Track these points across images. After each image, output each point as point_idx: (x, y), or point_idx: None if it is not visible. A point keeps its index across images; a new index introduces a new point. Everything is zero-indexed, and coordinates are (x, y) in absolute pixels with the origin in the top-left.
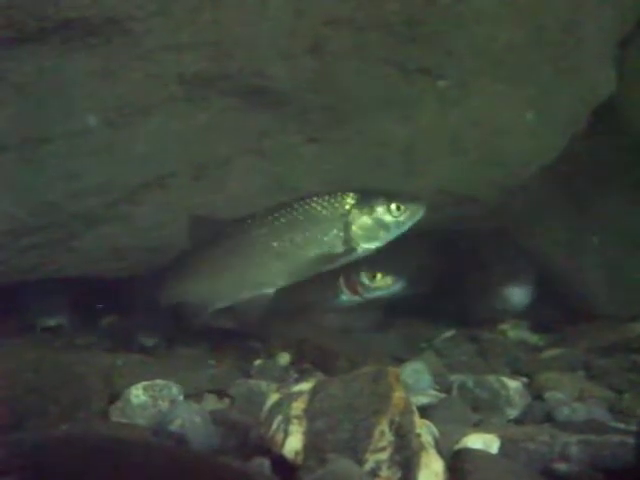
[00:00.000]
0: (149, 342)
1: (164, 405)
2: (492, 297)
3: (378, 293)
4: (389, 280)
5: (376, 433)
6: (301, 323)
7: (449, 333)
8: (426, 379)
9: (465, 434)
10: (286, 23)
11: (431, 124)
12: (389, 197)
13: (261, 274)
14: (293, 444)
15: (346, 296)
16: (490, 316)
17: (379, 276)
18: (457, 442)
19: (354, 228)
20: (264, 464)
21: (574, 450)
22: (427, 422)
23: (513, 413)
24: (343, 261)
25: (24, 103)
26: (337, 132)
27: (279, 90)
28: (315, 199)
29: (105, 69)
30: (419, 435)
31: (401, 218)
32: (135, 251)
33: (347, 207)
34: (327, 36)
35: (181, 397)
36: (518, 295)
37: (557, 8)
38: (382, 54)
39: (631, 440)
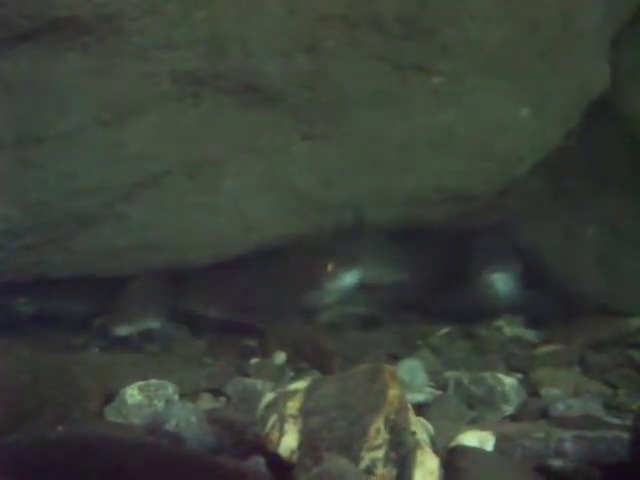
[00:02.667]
0: (122, 331)
1: (160, 405)
2: (476, 286)
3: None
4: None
5: (371, 431)
6: (297, 321)
7: (445, 330)
8: (422, 376)
9: (460, 431)
10: (280, 21)
11: (426, 121)
12: None
13: None
14: (288, 443)
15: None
16: (484, 310)
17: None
18: (452, 439)
19: None
20: (260, 463)
21: (569, 446)
22: (422, 419)
23: (509, 409)
24: None
25: (17, 103)
26: (332, 129)
27: (273, 88)
28: None
29: (98, 68)
30: (414, 433)
31: None
32: (130, 251)
33: None
34: (321, 33)
35: (177, 396)
36: (500, 280)
37: (551, 4)
38: (376, 51)
39: (626, 435)
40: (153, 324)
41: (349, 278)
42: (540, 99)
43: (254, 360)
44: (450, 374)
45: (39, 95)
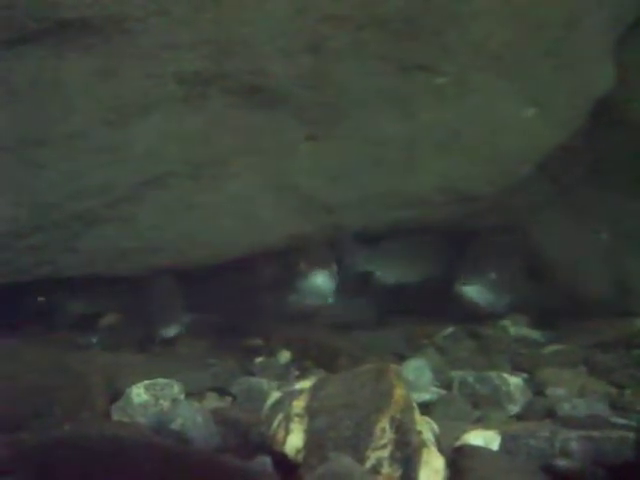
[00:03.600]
0: (170, 332)
1: (165, 404)
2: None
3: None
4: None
5: (377, 430)
6: (302, 321)
7: (450, 329)
8: (427, 376)
9: (466, 431)
10: (285, 21)
11: (430, 121)
12: None
13: None
14: (294, 442)
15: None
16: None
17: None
18: (458, 439)
19: None
20: (265, 462)
21: (575, 446)
22: (428, 419)
23: (514, 409)
24: None
25: (22, 103)
26: (336, 130)
27: (278, 88)
28: None
29: (104, 69)
30: (420, 432)
31: None
32: (134, 251)
33: None
34: (326, 34)
35: (182, 396)
36: (471, 293)
37: (556, 4)
38: (380, 51)
39: (632, 435)
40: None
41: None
42: (544, 99)
43: (259, 359)
44: (455, 373)
45: (44, 96)
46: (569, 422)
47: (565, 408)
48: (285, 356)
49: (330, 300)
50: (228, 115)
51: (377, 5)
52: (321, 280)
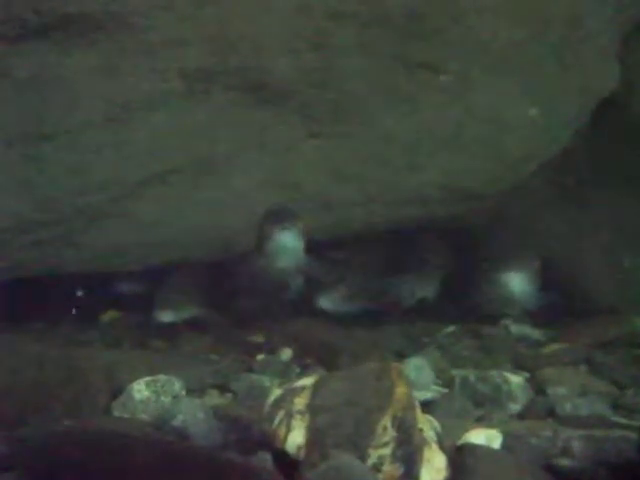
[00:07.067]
0: (166, 317)
1: (166, 400)
2: (494, 286)
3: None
4: None
5: (379, 428)
6: (303, 318)
7: (451, 328)
8: (428, 374)
9: (467, 429)
10: (289, 18)
11: (433, 119)
12: None
13: None
14: (295, 439)
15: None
16: (496, 310)
17: None
18: (459, 437)
19: None
20: (266, 459)
21: (576, 445)
22: (429, 417)
23: (515, 408)
24: None
25: (26, 99)
26: (339, 127)
27: (282, 85)
28: None
29: (107, 64)
30: (421, 430)
31: None
32: (136, 247)
33: None
34: (330, 31)
35: (183, 392)
36: (519, 281)
37: (560, 3)
38: (385, 49)
39: (633, 435)
40: (196, 311)
41: None
42: (548, 98)
43: (260, 356)
44: (456, 372)
45: (48, 91)
46: (570, 421)
47: (566, 407)
48: (286, 353)
49: (301, 261)
50: (231, 111)
51: (381, 2)
52: (287, 239)
